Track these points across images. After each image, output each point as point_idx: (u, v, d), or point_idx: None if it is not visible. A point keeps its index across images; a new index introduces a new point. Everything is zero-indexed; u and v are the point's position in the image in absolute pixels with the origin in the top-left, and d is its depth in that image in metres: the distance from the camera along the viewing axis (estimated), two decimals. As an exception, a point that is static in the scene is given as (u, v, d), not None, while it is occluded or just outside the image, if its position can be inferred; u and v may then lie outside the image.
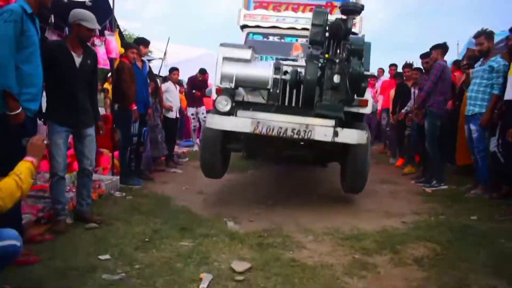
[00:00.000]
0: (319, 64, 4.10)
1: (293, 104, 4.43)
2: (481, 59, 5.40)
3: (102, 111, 10.49)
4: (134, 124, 5.90)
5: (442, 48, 6.15)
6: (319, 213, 4.65)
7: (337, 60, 4.03)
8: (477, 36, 5.37)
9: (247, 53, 4.29)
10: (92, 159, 4.14)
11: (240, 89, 4.50)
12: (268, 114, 4.24)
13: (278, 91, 4.35)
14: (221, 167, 4.99)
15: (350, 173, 4.77)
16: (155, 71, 8.28)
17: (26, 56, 3.09)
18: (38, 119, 3.73)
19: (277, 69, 4.28)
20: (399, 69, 10.78)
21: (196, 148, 10.12)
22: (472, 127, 5.37)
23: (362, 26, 5.95)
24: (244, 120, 4.15)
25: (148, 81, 6.45)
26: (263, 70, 4.29)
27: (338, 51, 4.14)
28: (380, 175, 6.97)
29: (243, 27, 6.10)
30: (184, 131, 11.61)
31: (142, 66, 6.16)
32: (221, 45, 4.43)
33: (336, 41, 4.14)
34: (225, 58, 4.27)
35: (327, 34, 4.17)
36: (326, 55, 4.14)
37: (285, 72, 4.39)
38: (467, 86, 5.78)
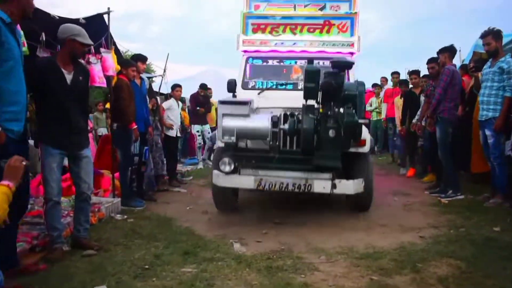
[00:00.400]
0: (315, 117, 4.24)
1: (294, 148, 4.60)
2: (490, 60, 5.17)
3: (105, 131, 10.43)
4: (135, 143, 5.70)
5: (450, 51, 5.91)
6: (330, 231, 4.39)
7: (331, 113, 4.17)
8: (484, 35, 5.13)
9: (245, 109, 4.45)
10: (90, 183, 3.93)
11: None
12: (269, 171, 4.54)
13: (277, 143, 4.56)
14: (233, 201, 5.32)
15: (355, 195, 4.70)
16: (155, 89, 8.12)
17: (6, 70, 2.86)
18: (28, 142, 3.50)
19: (274, 122, 4.46)
20: (402, 76, 10.71)
21: (201, 165, 9.90)
22: (487, 132, 5.12)
23: (360, 45, 5.89)
24: (247, 178, 4.50)
25: (148, 98, 6.28)
26: (261, 123, 4.43)
27: (332, 103, 4.22)
28: (391, 187, 6.71)
29: (243, 52, 6.10)
30: (188, 149, 11.43)
31: (140, 83, 5.99)
32: (220, 102, 4.67)
33: (329, 96, 4.23)
34: (224, 115, 4.46)
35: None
36: (321, 110, 4.30)
37: (286, 116, 4.61)
38: (477, 90, 5.53)
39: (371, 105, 11.59)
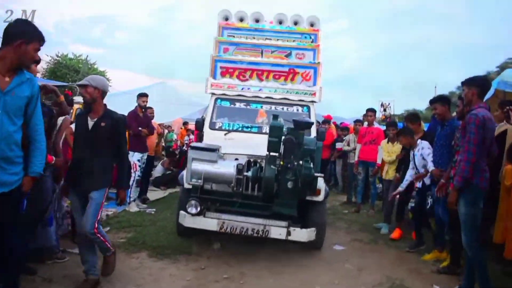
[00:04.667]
0: (276, 168, 4.57)
1: (256, 193, 4.93)
2: None
3: None
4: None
5: (481, 86, 4.02)
6: None
7: (291, 166, 4.46)
8: None
9: (213, 155, 4.80)
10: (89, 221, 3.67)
11: None
12: (231, 216, 4.87)
13: (241, 189, 4.89)
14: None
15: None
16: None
17: None
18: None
19: (239, 170, 4.78)
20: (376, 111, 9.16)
21: (134, 208, 7.36)
22: None
23: (322, 95, 6.42)
24: (211, 221, 4.82)
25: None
26: (227, 169, 4.74)
27: (292, 157, 4.49)
28: (381, 270, 4.92)
29: (211, 94, 6.51)
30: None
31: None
32: (191, 147, 5.06)
33: (290, 150, 4.49)
34: (194, 159, 4.81)
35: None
36: (282, 162, 4.56)
37: (249, 163, 5.06)
38: None
39: (348, 144, 9.59)
